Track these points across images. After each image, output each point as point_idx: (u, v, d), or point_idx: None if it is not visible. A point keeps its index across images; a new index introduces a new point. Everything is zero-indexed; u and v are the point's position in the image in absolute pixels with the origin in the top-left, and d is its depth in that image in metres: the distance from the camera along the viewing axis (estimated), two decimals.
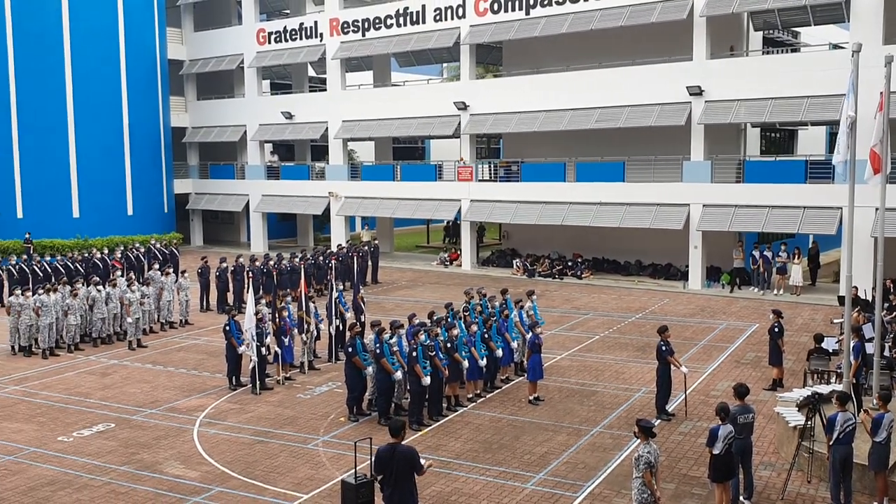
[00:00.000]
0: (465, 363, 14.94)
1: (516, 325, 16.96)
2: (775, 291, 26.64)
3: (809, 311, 24.08)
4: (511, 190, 32.16)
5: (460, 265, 34.31)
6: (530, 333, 15.61)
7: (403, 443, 9.01)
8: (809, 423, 11.06)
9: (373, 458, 8.99)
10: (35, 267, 25.77)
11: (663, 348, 14.07)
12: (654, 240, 30.23)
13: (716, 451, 9.72)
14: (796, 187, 25.84)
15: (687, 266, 28.71)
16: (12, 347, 19.92)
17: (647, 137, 29.86)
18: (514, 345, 16.70)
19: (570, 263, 32.11)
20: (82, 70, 35.42)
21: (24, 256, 28.67)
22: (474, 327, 15.52)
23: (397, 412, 14.39)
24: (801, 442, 11.10)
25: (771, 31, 32.79)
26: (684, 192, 27.96)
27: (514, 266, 32.79)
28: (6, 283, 25.53)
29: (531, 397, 15.25)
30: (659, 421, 13.72)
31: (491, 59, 39.82)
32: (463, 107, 32.88)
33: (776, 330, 15.87)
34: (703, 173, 27.70)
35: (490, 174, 34.64)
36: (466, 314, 16.75)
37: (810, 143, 36.76)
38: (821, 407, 11.38)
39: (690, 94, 27.47)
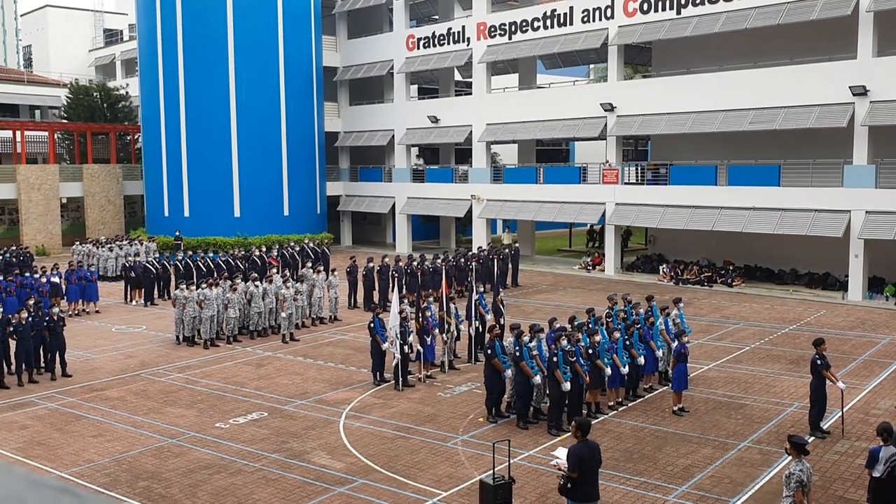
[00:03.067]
0: (608, 370, 14.71)
1: (662, 333, 16.53)
2: None
3: None
4: (659, 193, 31.36)
5: (603, 270, 33.78)
6: (676, 342, 15.17)
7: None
8: None
9: (569, 457, 9.20)
10: (199, 262, 27.55)
11: (818, 362, 13.32)
12: (811, 247, 28.64)
13: (876, 474, 9.11)
14: None
15: (846, 276, 27.02)
16: (177, 337, 21.32)
17: (805, 140, 28.34)
18: (659, 353, 16.28)
19: (720, 270, 30.94)
20: (244, 78, 37.49)
21: (190, 252, 30.59)
22: (617, 334, 15.25)
23: (536, 416, 14.37)
24: None
25: None
26: (845, 198, 26.31)
27: (661, 272, 31.95)
28: (173, 278, 27.41)
29: (675, 408, 14.83)
30: (812, 438, 13.00)
31: (640, 59, 39.00)
32: (610, 108, 32.37)
33: None
34: (866, 178, 25.97)
35: (637, 177, 33.91)
36: (609, 320, 16.49)
37: None
38: None
39: (854, 95, 25.83)
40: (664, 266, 32.28)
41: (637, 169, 34.75)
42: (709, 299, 27.35)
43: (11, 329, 17.30)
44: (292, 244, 31.54)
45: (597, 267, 34.33)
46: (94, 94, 49.93)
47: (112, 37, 63.23)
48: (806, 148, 28.54)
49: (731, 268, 31.05)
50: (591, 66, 52.23)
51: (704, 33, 29.34)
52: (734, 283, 29.66)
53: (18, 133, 43.77)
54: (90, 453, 12.94)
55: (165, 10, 37.50)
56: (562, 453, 9.33)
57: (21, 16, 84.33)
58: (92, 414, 15.10)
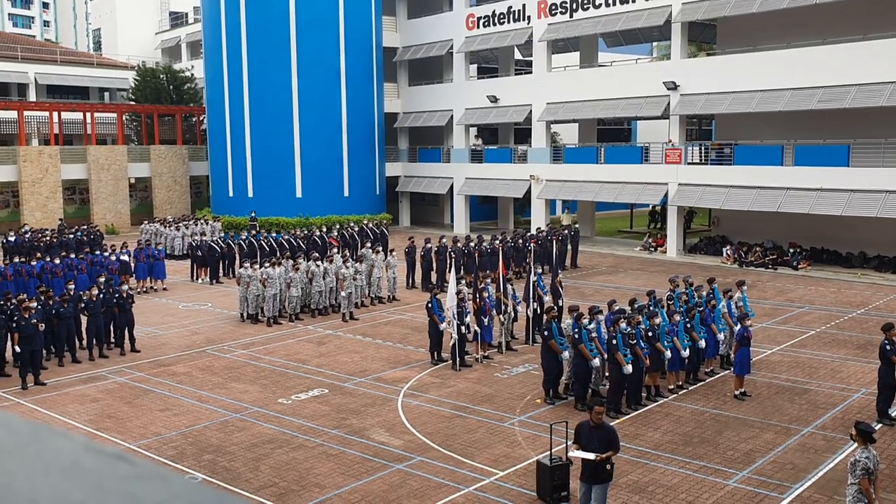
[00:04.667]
0: (667, 353, 14.56)
1: (724, 316, 16.27)
2: None
3: None
4: (723, 174, 30.72)
5: (665, 251, 33.31)
6: (739, 326, 14.92)
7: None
8: None
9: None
10: (262, 242, 28.08)
11: (888, 347, 12.96)
12: (881, 230, 27.77)
13: None
14: None
15: None
16: (241, 315, 21.80)
17: (877, 119, 27.39)
18: (721, 337, 16.04)
19: (785, 253, 30.23)
20: (306, 60, 37.85)
21: (254, 232, 31.21)
22: (677, 317, 15.07)
23: (594, 398, 14.31)
24: None
25: None
26: None
27: (724, 254, 31.37)
28: (237, 257, 28.00)
29: (737, 392, 14.61)
30: (880, 425, 12.67)
31: (704, 37, 38.11)
32: (673, 87, 31.77)
33: None
34: None
35: (700, 157, 33.26)
36: (670, 303, 16.29)
37: None
38: None
39: None
40: (728, 248, 31.68)
41: (701, 148, 34.06)
42: (773, 282, 26.77)
43: (83, 305, 17.92)
44: (352, 224, 31.88)
45: (658, 248, 33.88)
46: (161, 76, 51.05)
47: (177, 19, 64.44)
48: (877, 127, 27.58)
49: (796, 250, 30.31)
50: (654, 43, 51.22)
51: (772, 9, 28.50)
52: (800, 266, 28.96)
53: (88, 115, 45.03)
54: (157, 426, 13.38)
55: None
56: (578, 453, 9.38)
57: (90, 0, 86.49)
58: (159, 388, 15.59)
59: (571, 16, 35.72)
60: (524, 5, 37.78)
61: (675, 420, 13.49)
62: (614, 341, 13.60)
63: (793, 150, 29.10)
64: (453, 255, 24.24)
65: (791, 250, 30.38)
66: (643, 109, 33.57)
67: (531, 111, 37.75)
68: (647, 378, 14.44)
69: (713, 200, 31.16)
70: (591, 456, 9.25)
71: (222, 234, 32.47)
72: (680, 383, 15.17)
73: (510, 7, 38.47)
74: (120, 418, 13.81)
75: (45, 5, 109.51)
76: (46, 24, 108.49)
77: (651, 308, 15.59)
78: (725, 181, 30.39)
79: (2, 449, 0.78)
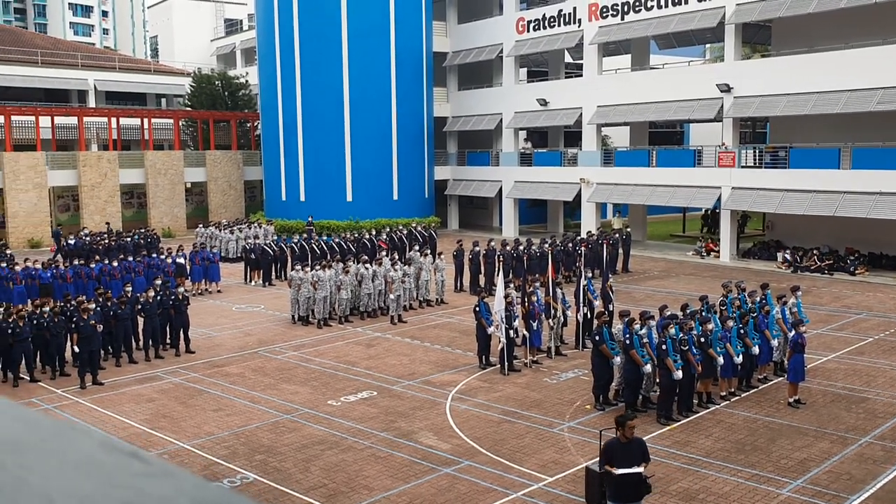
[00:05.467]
0: (720, 359, 14.34)
1: (778, 322, 15.97)
2: None
3: None
4: (777, 177, 30.14)
5: (718, 256, 32.80)
6: (793, 332, 14.62)
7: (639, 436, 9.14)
8: None
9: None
10: (314, 245, 28.42)
11: None
12: None
13: None
14: None
15: None
16: (292, 317, 22.09)
17: None
18: (775, 343, 15.74)
19: (842, 258, 29.52)
20: (357, 66, 38.21)
21: (305, 235, 31.60)
22: (730, 322, 14.84)
23: (645, 405, 14.17)
24: None
25: None
26: None
27: (779, 259, 30.76)
28: (289, 260, 28.38)
29: (791, 399, 14.32)
30: None
31: (758, 38, 37.45)
32: (726, 89, 31.30)
33: None
34: None
35: (754, 160, 32.68)
36: (723, 308, 16.06)
37: None
38: None
39: None
40: (782, 253, 31.05)
41: (755, 152, 33.45)
42: (829, 288, 26.17)
43: (140, 307, 18.36)
44: (401, 228, 32.07)
45: (711, 253, 33.38)
46: (216, 82, 52.05)
47: (232, 26, 65.65)
48: None
49: (854, 255, 29.57)
50: (707, 45, 50.52)
51: (829, 9, 27.90)
52: (857, 272, 28.25)
53: (146, 121, 46.13)
54: (211, 426, 13.64)
55: None
56: (624, 470, 9.18)
57: (148, 7, 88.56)
58: (213, 389, 15.89)
59: (623, 18, 35.44)
60: (575, 8, 37.60)
61: (727, 427, 13.28)
62: (664, 346, 13.45)
63: (850, 153, 28.42)
64: (502, 259, 24.22)
65: (849, 255, 29.65)
66: (696, 112, 33.13)
67: (581, 114, 37.54)
68: (698, 384, 14.25)
69: (767, 204, 30.58)
70: (639, 469, 9.12)
71: (275, 238, 32.95)
72: (732, 390, 14.92)
73: (560, 10, 38.33)
74: (174, 418, 14.11)
75: (105, 14, 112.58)
76: (106, 32, 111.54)
77: (703, 314, 15.38)
78: (780, 185, 29.81)
79: (23, 444, 0.82)
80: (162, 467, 0.83)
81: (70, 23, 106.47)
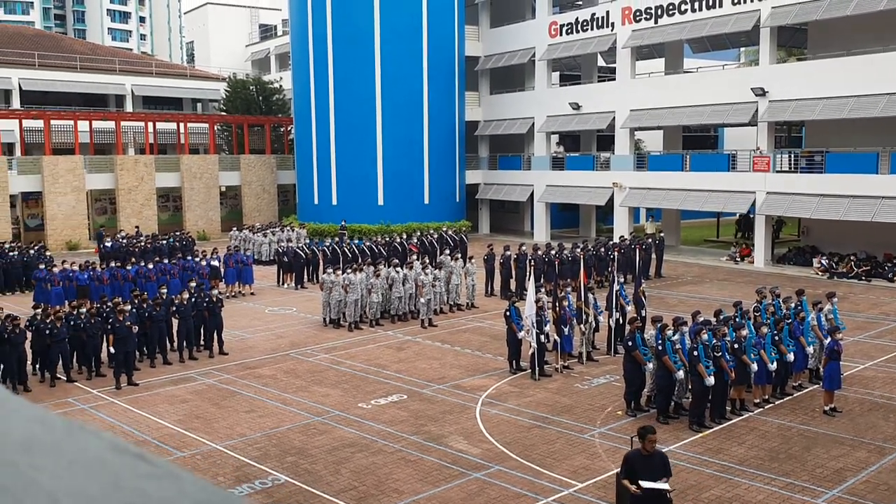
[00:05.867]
0: (754, 366, 14.16)
1: (813, 328, 15.74)
2: None
3: None
4: (813, 182, 29.71)
5: (752, 262, 32.41)
6: (829, 339, 14.41)
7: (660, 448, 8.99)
8: None
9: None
10: (345, 248, 28.59)
11: None
12: None
13: None
14: None
15: None
16: (324, 320, 22.23)
17: None
18: (810, 350, 15.52)
19: (879, 264, 29.00)
20: (389, 70, 38.37)
21: (336, 239, 31.80)
22: (765, 329, 14.66)
23: (677, 411, 14.05)
24: None
25: None
26: None
27: (814, 265, 30.32)
28: (321, 263, 28.55)
29: (826, 407, 14.10)
30: None
31: (794, 41, 37.00)
32: (761, 93, 30.94)
33: None
34: None
35: (790, 165, 32.26)
36: (757, 314, 15.87)
37: None
38: None
39: None
40: (818, 259, 30.60)
41: (790, 156, 33.02)
42: (866, 294, 25.73)
43: (174, 309, 18.60)
44: (431, 231, 32.11)
45: (745, 258, 32.99)
46: (251, 87, 52.61)
47: (267, 32, 66.32)
48: None
49: (892, 262, 29.04)
50: (742, 49, 50.00)
51: (867, 11, 27.48)
52: (895, 278, 27.77)
53: (182, 125, 46.73)
54: (243, 427, 13.77)
55: (316, 4, 38.92)
56: (649, 484, 8.93)
57: (184, 13, 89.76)
58: (245, 390, 16.04)
59: (656, 22, 35.21)
60: (608, 12, 37.44)
61: (761, 435, 13.11)
62: (696, 353, 13.32)
63: (889, 158, 27.92)
64: (533, 263, 24.12)
65: (887, 262, 29.12)
66: (730, 116, 32.79)
67: (614, 118, 37.34)
68: (732, 391, 14.09)
69: (803, 210, 30.16)
70: (664, 486, 8.96)
71: (307, 241, 33.18)
72: (766, 397, 14.74)
73: (593, 14, 38.19)
74: (207, 419, 14.26)
75: (142, 20, 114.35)
76: (143, 37, 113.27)
77: (737, 319, 15.21)
78: (816, 190, 29.39)
79: (36, 445, 0.84)
80: (167, 469, 0.84)
81: (108, 29, 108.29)
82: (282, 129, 51.96)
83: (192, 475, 0.84)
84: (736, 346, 13.97)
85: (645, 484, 8.86)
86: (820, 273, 29.56)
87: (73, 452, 0.84)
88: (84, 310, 17.58)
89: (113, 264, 25.28)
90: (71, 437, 0.87)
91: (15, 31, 58.81)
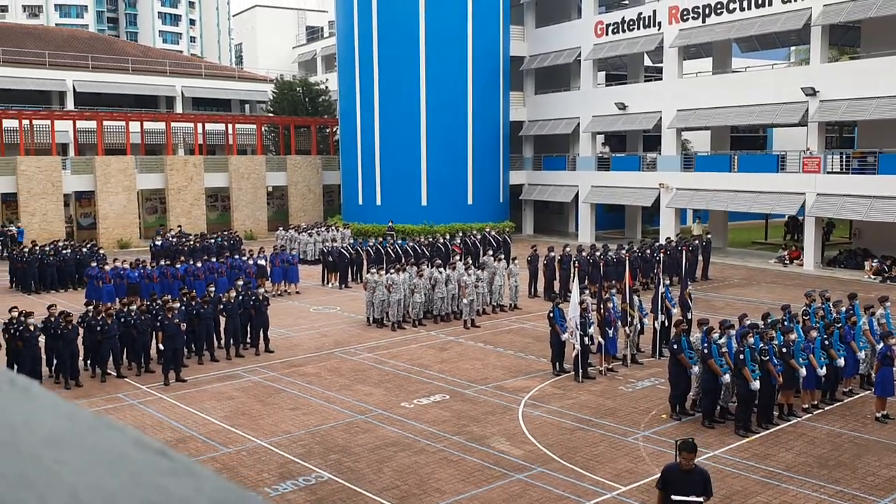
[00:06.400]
0: (802, 371, 13.90)
1: (865, 333, 15.40)
2: None
3: None
4: (865, 183, 29.04)
5: (802, 264, 31.79)
6: (881, 344, 14.09)
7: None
8: None
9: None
10: (389, 249, 28.75)
11: None
12: None
13: None
14: None
15: None
16: (367, 319, 22.37)
17: None
18: (861, 355, 15.19)
19: None
20: (434, 71, 38.46)
21: (381, 239, 31.99)
22: (814, 333, 14.38)
23: (723, 416, 13.85)
24: None
25: None
26: None
27: (866, 268, 29.62)
28: (365, 263, 28.76)
29: (878, 414, 13.78)
30: None
31: (846, 40, 36.24)
32: (812, 93, 30.34)
33: None
34: None
35: (841, 166, 31.59)
36: (806, 318, 15.58)
37: None
38: None
39: None
40: (870, 262, 29.90)
41: (841, 157, 32.33)
42: None
43: (222, 307, 18.90)
44: (474, 232, 32.12)
45: (794, 261, 32.38)
46: (297, 88, 53.18)
47: (313, 34, 67.00)
48: None
49: None
50: (792, 48, 49.07)
51: None
52: None
53: (230, 126, 47.44)
54: (287, 425, 13.93)
55: (362, 6, 39.19)
56: (681, 498, 8.67)
57: (233, 16, 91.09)
58: (290, 388, 16.23)
59: (704, 21, 34.75)
60: (655, 11, 37.07)
61: (810, 441, 12.87)
62: (741, 356, 13.12)
63: None
64: (577, 265, 23.98)
65: None
66: (779, 116, 32.22)
67: (661, 118, 36.96)
68: (779, 396, 13.86)
69: (854, 211, 29.50)
70: (700, 500, 8.66)
71: (351, 241, 33.44)
72: (815, 402, 14.46)
73: (640, 13, 37.84)
74: (253, 416, 14.47)
75: (192, 22, 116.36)
76: (193, 40, 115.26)
77: (785, 323, 14.95)
78: (868, 191, 28.72)
79: (62, 439, 0.86)
80: (187, 466, 0.86)
81: (159, 31, 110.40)
82: (327, 130, 52.44)
83: (212, 473, 0.86)
84: (784, 350, 13.74)
85: (676, 497, 8.62)
86: (872, 276, 28.88)
87: (97, 447, 0.86)
88: (134, 307, 17.97)
89: (163, 262, 25.76)
90: (96, 433, 0.89)
91: (70, 34, 60.29)
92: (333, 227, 36.78)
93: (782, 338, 13.92)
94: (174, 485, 0.82)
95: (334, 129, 50.12)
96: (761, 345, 13.33)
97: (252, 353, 18.99)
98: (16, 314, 16.51)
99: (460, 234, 31.57)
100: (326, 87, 53.51)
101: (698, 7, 34.93)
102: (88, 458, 0.83)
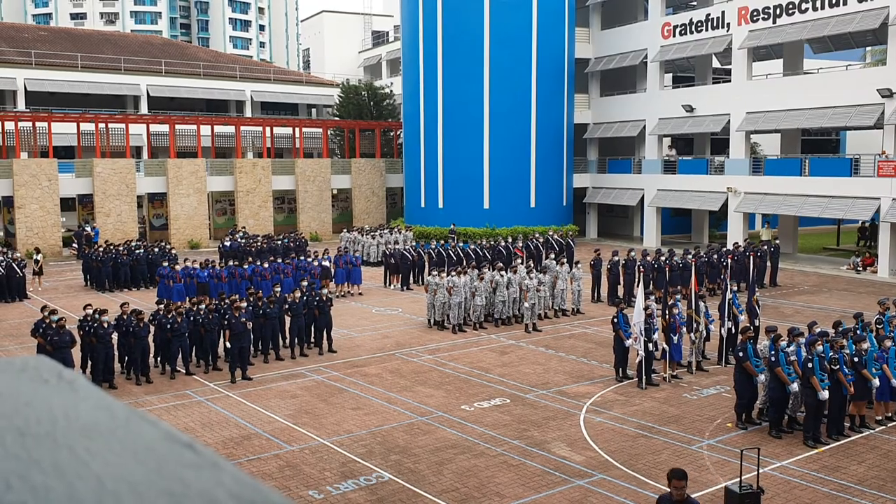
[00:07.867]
0: (875, 381, 13.47)
1: None
2: None
3: None
4: None
5: (875, 272, 30.76)
6: None
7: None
8: None
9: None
10: (450, 251, 28.84)
11: None
12: None
13: None
14: None
15: None
16: (428, 321, 22.47)
17: None
18: None
19: None
20: (499, 74, 38.45)
21: (442, 241, 32.09)
22: (888, 342, 13.90)
23: (791, 425, 13.51)
24: None
25: None
26: None
27: None
28: (427, 265, 28.92)
29: None
30: None
31: None
32: (888, 94, 29.35)
33: None
34: None
35: None
36: (880, 327, 15.09)
37: None
38: None
39: None
40: None
41: None
42: None
43: (287, 307, 19.24)
44: (537, 235, 31.97)
45: (868, 268, 31.34)
46: (363, 93, 53.80)
47: (379, 38, 67.67)
48: None
49: None
50: (868, 48, 47.53)
51: None
52: None
53: (297, 130, 48.24)
54: (349, 424, 14.10)
55: (427, 9, 39.44)
56: None
57: (301, 21, 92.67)
58: (352, 388, 16.42)
59: (774, 21, 33.95)
60: (723, 12, 36.37)
61: (883, 454, 12.45)
62: (810, 364, 12.77)
63: None
64: (642, 269, 23.66)
65: None
66: (853, 119, 31.25)
67: (729, 121, 36.23)
68: (851, 407, 13.45)
69: None
70: None
71: (414, 243, 33.64)
72: (889, 415, 13.97)
73: (708, 14, 37.18)
74: (316, 414, 14.69)
75: (262, 28, 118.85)
76: (262, 45, 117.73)
77: (858, 332, 14.50)
78: None
79: (96, 430, 0.91)
80: (211, 459, 0.89)
81: (230, 37, 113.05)
82: (391, 134, 52.88)
83: (234, 467, 0.89)
84: (856, 359, 13.33)
85: None
86: None
87: (128, 439, 0.90)
88: (203, 306, 18.40)
89: (231, 263, 26.32)
90: (128, 425, 0.94)
91: (144, 40, 62.16)
92: (396, 230, 37.04)
93: (854, 347, 13.51)
94: (195, 477, 0.85)
95: (398, 133, 50.52)
96: (831, 353, 12.97)
97: (315, 353, 19.27)
98: (90, 312, 17.10)
99: (522, 238, 31.47)
100: (391, 91, 53.99)
101: (769, 7, 34.14)
102: (118, 449, 0.88)
